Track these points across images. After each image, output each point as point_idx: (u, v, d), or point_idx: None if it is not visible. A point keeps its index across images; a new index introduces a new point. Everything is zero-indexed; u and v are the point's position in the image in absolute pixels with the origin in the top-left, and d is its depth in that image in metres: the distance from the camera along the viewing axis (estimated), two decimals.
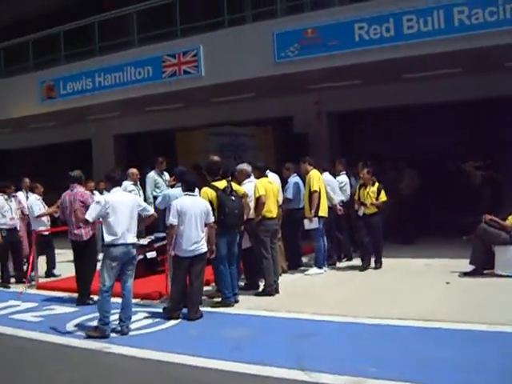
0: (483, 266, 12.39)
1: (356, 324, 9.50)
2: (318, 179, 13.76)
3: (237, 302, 11.30)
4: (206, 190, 11.21)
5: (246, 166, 12.82)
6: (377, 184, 14.18)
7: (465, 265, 12.54)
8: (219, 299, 11.33)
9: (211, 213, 10.61)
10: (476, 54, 14.23)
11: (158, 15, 19.47)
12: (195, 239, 10.26)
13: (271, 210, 12.27)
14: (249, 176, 12.66)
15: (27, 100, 21.52)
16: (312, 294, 12.02)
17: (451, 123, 18.38)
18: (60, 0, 24.60)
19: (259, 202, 12.03)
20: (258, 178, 12.56)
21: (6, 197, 14.65)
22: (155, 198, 15.22)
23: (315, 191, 13.53)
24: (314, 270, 13.91)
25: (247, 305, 11.19)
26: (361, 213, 14.19)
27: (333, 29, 15.12)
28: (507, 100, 15.97)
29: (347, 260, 15.23)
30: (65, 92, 20.42)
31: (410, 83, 17.37)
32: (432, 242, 16.37)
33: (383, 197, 14.11)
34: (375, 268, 14.03)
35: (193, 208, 10.33)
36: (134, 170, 16.32)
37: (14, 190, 15.22)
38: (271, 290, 11.88)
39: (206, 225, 10.48)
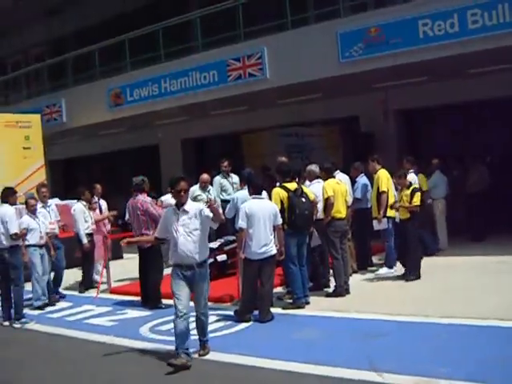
0: None
1: (427, 323, 9.46)
2: (387, 179, 13.66)
3: (308, 303, 11.33)
4: (278, 190, 11.32)
5: (314, 168, 12.97)
6: (412, 187, 13.18)
7: None
8: (290, 301, 11.42)
9: (279, 215, 10.69)
10: None
11: (221, 19, 19.64)
12: (265, 241, 10.34)
13: (340, 210, 12.26)
14: (317, 177, 12.76)
15: (95, 107, 22.01)
16: (382, 293, 12.02)
17: None
18: (124, 8, 25.09)
19: (328, 203, 12.08)
20: (325, 179, 12.59)
21: (84, 203, 14.96)
22: (222, 201, 15.31)
23: (384, 192, 13.45)
24: (384, 270, 13.86)
25: (318, 306, 11.21)
26: (397, 218, 13.53)
27: (396, 26, 15.01)
28: None
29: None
30: (131, 98, 20.81)
31: (476, 78, 17.12)
32: (504, 239, 16.05)
33: (417, 201, 12.91)
34: (406, 280, 12.87)
35: (261, 210, 10.42)
36: (203, 176, 16.00)
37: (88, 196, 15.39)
38: (342, 291, 11.89)
39: (274, 227, 10.55)
